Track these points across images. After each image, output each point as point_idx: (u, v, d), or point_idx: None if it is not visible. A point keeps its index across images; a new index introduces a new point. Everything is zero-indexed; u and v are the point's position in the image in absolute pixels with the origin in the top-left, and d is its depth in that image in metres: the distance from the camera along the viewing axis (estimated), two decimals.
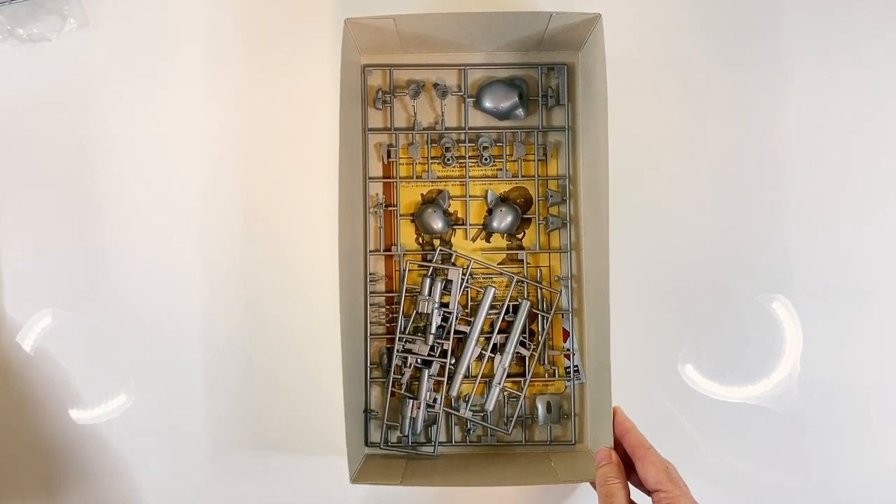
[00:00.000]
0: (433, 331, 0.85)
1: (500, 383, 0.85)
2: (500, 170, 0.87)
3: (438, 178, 0.87)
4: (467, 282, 0.86)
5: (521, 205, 0.88)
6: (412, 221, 0.87)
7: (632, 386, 0.80)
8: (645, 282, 0.87)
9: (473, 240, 0.89)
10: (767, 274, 0.88)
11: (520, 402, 0.86)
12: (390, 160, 0.87)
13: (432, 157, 0.87)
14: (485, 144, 0.86)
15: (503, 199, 0.87)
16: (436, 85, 0.86)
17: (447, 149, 0.86)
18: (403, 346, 0.85)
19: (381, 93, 0.86)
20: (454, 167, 0.87)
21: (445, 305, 0.86)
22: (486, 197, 0.86)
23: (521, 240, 0.88)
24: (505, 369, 0.85)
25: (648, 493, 0.68)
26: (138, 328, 0.89)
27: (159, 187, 0.90)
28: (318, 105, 0.88)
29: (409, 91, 0.85)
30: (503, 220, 0.85)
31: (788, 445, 0.88)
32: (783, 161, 0.88)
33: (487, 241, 0.88)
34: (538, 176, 0.86)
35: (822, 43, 0.90)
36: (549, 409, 0.86)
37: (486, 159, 0.86)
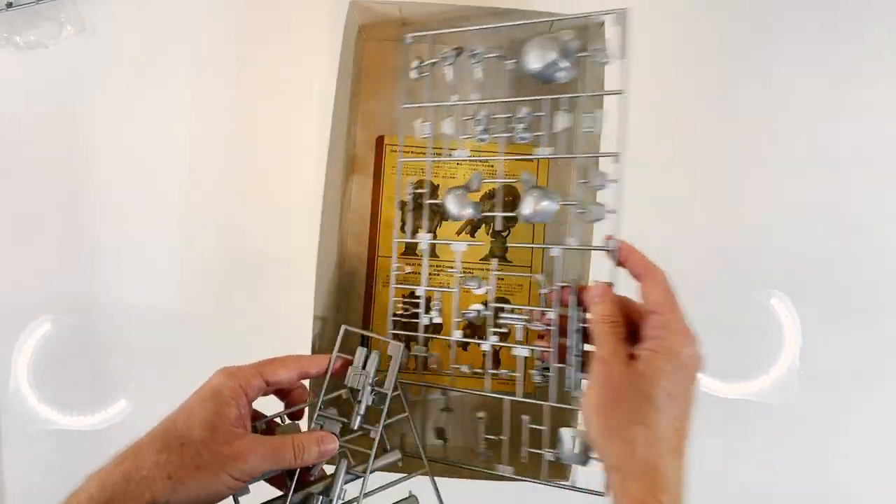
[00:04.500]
0: (361, 412, 0.72)
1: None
2: (540, 146, 0.73)
3: (471, 155, 0.78)
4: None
5: (507, 203, 0.84)
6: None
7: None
8: None
9: (459, 233, 0.85)
10: (765, 270, 0.90)
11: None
12: (425, 136, 0.78)
13: (464, 134, 0.77)
14: (521, 117, 0.73)
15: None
16: (472, 51, 0.76)
17: (481, 123, 0.75)
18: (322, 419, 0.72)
19: (419, 63, 0.78)
20: (489, 143, 0.76)
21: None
22: (522, 180, 0.73)
23: (506, 237, 0.84)
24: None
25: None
26: (138, 334, 0.90)
27: (157, 192, 0.91)
28: (320, 94, 0.86)
29: (445, 58, 0.76)
30: (537, 206, 0.71)
31: (788, 440, 0.90)
32: (780, 158, 0.88)
33: (472, 235, 0.87)
34: (579, 153, 0.72)
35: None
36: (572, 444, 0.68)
37: (523, 137, 0.74)
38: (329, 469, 0.69)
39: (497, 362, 0.88)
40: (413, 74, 0.78)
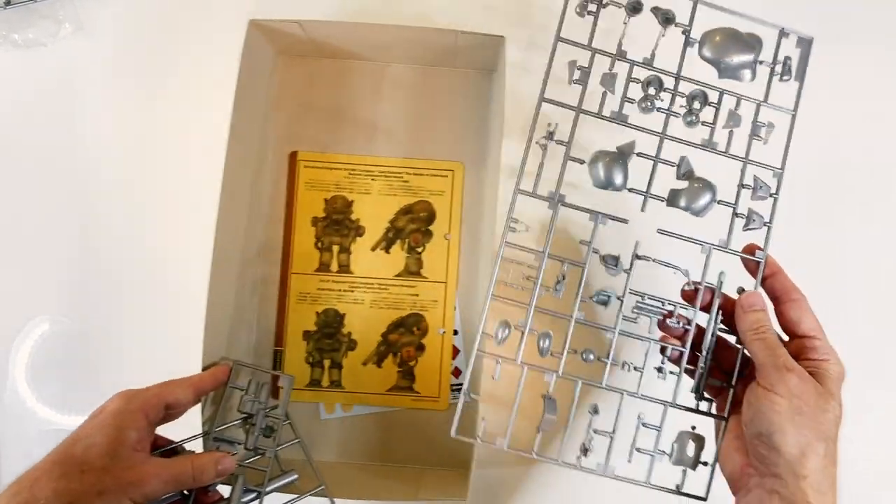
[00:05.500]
0: (256, 432, 0.75)
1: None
2: (707, 140, 0.68)
3: (628, 124, 0.68)
4: None
5: (423, 219, 0.89)
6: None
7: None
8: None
9: (374, 249, 0.90)
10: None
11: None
12: (576, 81, 0.67)
13: (628, 98, 0.68)
14: (696, 100, 0.68)
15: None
16: (656, 9, 0.68)
17: (650, 92, 0.68)
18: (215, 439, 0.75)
19: (589, 1, 0.68)
20: (650, 115, 0.68)
21: None
22: (679, 165, 0.67)
23: (420, 254, 0.87)
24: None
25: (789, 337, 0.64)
26: (136, 334, 0.88)
27: (155, 190, 0.90)
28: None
29: (626, 5, 0.68)
30: (696, 198, 0.66)
31: None
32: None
33: (387, 251, 0.90)
34: (748, 158, 0.68)
35: None
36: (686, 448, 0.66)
37: (691, 120, 0.68)
38: (226, 491, 0.71)
39: (412, 378, 0.89)
40: (576, 11, 0.68)
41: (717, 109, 0.68)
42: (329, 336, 0.89)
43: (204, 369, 0.75)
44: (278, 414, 0.77)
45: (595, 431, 0.65)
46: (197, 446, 0.73)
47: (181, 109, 0.91)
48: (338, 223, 0.90)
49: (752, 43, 0.67)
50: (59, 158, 0.91)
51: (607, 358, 0.65)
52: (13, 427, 0.88)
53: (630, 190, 0.67)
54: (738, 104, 0.68)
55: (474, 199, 0.90)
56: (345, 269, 0.90)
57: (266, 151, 0.91)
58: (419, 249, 0.89)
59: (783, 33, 0.68)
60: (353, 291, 0.90)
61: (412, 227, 0.90)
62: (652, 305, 0.66)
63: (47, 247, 0.90)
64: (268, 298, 0.90)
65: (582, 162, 0.67)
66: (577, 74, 0.67)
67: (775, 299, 0.64)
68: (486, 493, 0.87)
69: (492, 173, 0.83)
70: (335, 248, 0.90)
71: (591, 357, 0.66)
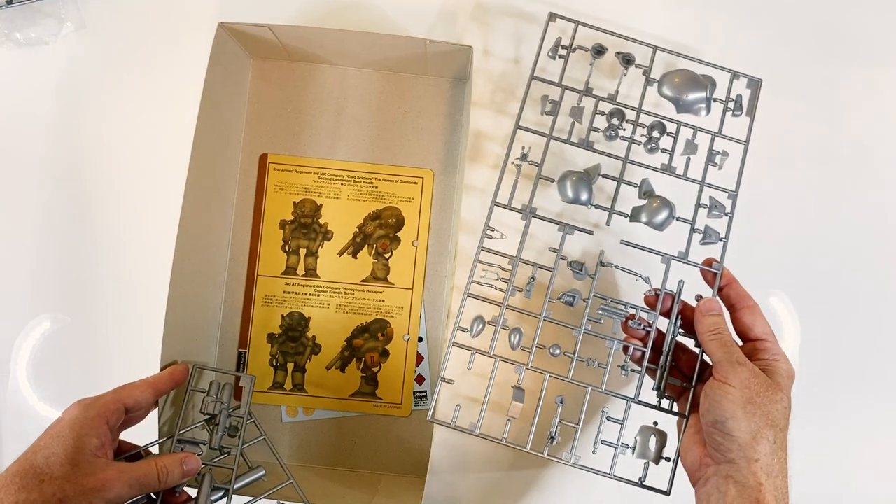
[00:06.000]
0: (220, 432, 0.77)
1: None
2: (667, 165, 0.76)
3: (595, 150, 0.75)
4: None
5: (391, 226, 0.90)
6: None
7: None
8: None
9: (341, 254, 0.90)
10: (766, 269, 0.90)
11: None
12: (548, 112, 0.75)
13: (594, 127, 0.76)
14: (655, 130, 0.77)
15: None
16: (619, 53, 0.77)
17: (614, 123, 0.77)
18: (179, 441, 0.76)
19: (560, 45, 0.77)
20: (615, 142, 0.77)
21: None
22: (640, 185, 0.75)
23: (387, 260, 0.89)
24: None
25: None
26: (136, 331, 0.87)
27: (156, 190, 0.90)
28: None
29: (591, 49, 0.77)
30: (655, 214, 0.73)
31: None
32: (781, 156, 0.91)
33: (354, 256, 0.90)
34: (704, 181, 0.75)
35: None
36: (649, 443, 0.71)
37: (651, 147, 0.76)
38: (192, 493, 0.72)
39: (375, 384, 0.90)
40: (549, 54, 0.76)
41: (675, 139, 0.76)
42: (293, 339, 0.90)
43: (162, 370, 0.75)
44: (241, 414, 0.78)
45: (561, 422, 0.71)
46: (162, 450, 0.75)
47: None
48: (306, 227, 0.90)
49: (705, 83, 0.76)
50: (61, 157, 0.91)
51: (573, 354, 0.72)
52: (14, 426, 0.89)
53: (596, 206, 0.74)
54: (694, 135, 0.76)
55: (443, 206, 0.91)
56: (311, 272, 0.90)
57: (237, 152, 0.91)
58: (387, 255, 0.90)
59: (735, 76, 0.77)
60: (318, 295, 0.90)
61: (380, 232, 0.91)
62: (615, 309, 0.73)
63: (49, 245, 0.90)
64: (233, 300, 0.90)
65: (552, 181, 0.74)
66: (548, 107, 0.74)
67: (731, 307, 0.71)
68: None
69: (461, 182, 0.85)
70: (302, 252, 0.90)
71: (558, 352, 0.72)
